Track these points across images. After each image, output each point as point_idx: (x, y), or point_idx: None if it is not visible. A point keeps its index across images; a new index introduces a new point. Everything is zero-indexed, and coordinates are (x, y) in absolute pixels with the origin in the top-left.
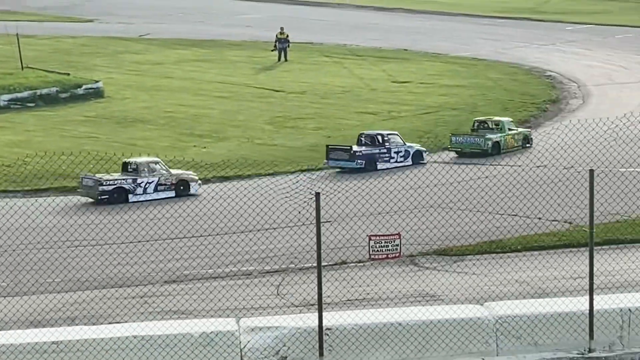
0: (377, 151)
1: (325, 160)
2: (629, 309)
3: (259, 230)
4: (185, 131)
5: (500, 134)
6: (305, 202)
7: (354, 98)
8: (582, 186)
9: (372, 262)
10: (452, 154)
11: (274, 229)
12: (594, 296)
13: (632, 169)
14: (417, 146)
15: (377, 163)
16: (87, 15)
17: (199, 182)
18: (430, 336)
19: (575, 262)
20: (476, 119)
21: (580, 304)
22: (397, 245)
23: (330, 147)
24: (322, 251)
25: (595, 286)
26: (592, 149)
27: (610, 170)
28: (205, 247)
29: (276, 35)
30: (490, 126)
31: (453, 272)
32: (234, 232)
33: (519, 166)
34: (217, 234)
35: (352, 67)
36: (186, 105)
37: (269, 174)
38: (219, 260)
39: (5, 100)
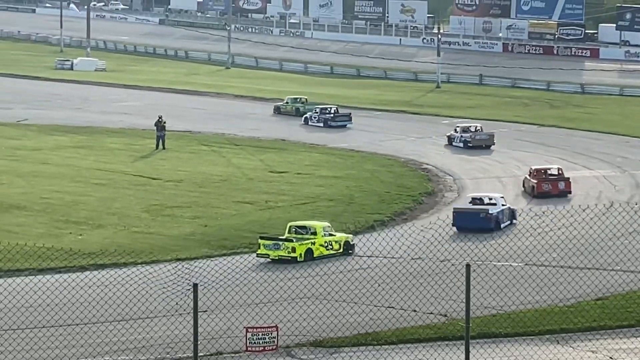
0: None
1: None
2: None
3: (135, 320)
4: (61, 218)
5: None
6: (182, 292)
7: (231, 187)
8: (456, 279)
9: (248, 353)
10: None
11: (151, 318)
12: None
13: (507, 263)
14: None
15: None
16: None
17: None
18: None
19: (451, 356)
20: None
21: None
22: (274, 337)
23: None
24: (198, 342)
25: None
26: (465, 241)
27: (482, 262)
28: (80, 336)
29: (155, 123)
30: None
31: None
32: (110, 321)
33: (394, 257)
34: (92, 323)
35: (230, 156)
36: (63, 191)
37: (145, 263)
38: (94, 350)
39: None
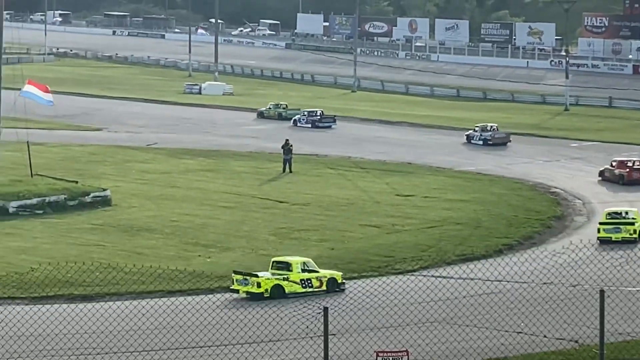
0: None
1: None
2: None
3: (266, 343)
4: (191, 241)
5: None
6: (312, 315)
7: (357, 210)
8: (589, 304)
9: None
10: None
11: (282, 341)
12: None
13: None
14: None
15: None
16: (96, 124)
17: None
18: None
19: None
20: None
21: None
22: None
23: None
24: None
25: None
26: (599, 265)
27: (617, 288)
28: (212, 358)
29: (282, 147)
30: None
31: None
32: (241, 344)
33: (525, 282)
34: (223, 345)
35: (356, 180)
36: (192, 214)
37: None
38: None
39: (14, 207)
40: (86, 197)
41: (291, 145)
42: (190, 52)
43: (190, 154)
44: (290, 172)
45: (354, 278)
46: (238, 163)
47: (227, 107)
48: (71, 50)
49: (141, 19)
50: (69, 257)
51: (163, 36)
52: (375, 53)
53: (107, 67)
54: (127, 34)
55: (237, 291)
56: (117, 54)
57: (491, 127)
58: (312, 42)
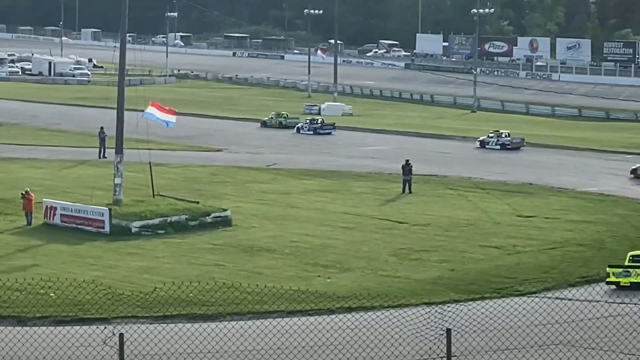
0: None
1: None
2: None
3: None
4: (310, 261)
5: None
6: (434, 337)
7: (478, 231)
8: None
9: None
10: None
11: None
12: None
13: None
14: None
15: None
16: (216, 145)
17: None
18: None
19: None
20: None
21: None
22: None
23: None
24: None
25: None
26: None
27: None
28: None
29: (402, 167)
30: None
31: None
32: None
33: None
34: None
35: (476, 200)
36: (311, 235)
37: (393, 306)
38: None
39: (136, 227)
40: (207, 217)
41: (411, 166)
42: (309, 72)
43: (309, 175)
44: (410, 192)
45: (476, 299)
46: (357, 184)
47: (346, 127)
48: (192, 72)
49: (261, 40)
50: (190, 277)
51: (282, 57)
52: (495, 73)
53: (227, 88)
54: (247, 55)
55: (617, 283)
56: (237, 75)
57: (503, 133)
58: (431, 62)
